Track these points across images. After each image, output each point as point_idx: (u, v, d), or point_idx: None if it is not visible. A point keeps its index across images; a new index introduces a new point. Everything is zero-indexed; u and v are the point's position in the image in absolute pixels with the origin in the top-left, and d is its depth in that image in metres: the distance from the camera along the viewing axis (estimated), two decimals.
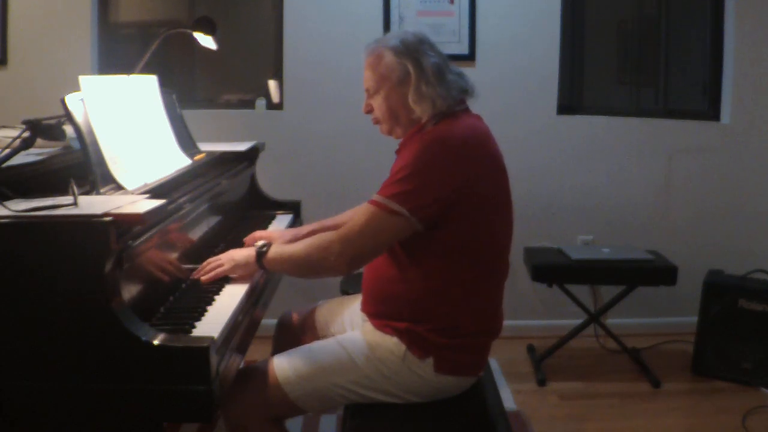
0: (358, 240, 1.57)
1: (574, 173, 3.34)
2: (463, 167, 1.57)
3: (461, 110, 1.69)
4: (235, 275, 1.73)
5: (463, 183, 1.56)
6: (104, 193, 1.53)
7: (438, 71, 1.65)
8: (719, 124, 3.39)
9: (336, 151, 3.25)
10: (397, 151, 1.74)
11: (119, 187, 1.60)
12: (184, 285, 1.69)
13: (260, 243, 1.74)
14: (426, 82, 1.64)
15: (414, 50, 1.67)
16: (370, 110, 1.76)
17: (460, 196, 1.56)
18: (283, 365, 1.63)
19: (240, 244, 1.94)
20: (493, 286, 1.70)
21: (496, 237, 1.67)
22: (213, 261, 1.74)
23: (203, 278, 1.70)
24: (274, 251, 1.70)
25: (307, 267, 1.66)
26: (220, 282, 1.70)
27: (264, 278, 1.85)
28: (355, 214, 2.01)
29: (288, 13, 3.18)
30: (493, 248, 1.67)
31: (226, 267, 1.72)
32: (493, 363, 2.98)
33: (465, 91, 1.70)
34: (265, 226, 2.33)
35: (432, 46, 1.71)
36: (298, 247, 1.67)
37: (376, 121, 1.76)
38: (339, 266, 1.59)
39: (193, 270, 1.74)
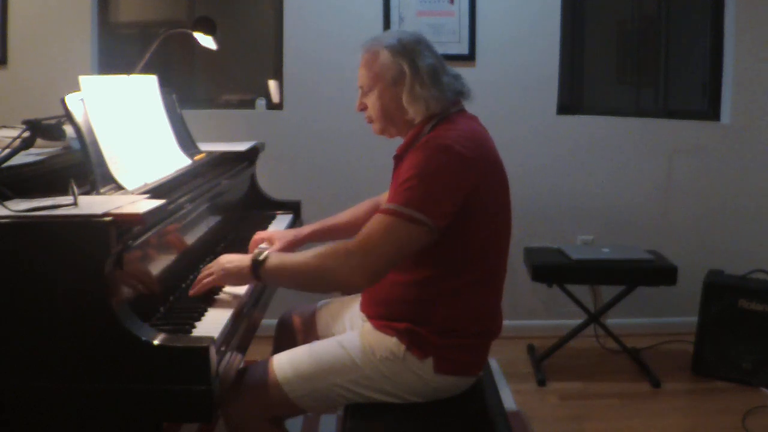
0: (378, 251, 1.49)
1: (574, 173, 3.34)
2: (470, 173, 1.55)
3: (456, 112, 1.68)
4: (226, 285, 1.65)
5: (472, 189, 1.55)
6: (104, 193, 1.53)
7: (433, 72, 1.64)
8: (719, 124, 3.39)
9: (336, 151, 3.25)
10: (395, 158, 1.71)
11: (119, 187, 1.59)
12: (184, 285, 1.69)
13: (257, 251, 1.64)
14: (420, 84, 1.63)
15: (410, 50, 1.66)
16: (363, 108, 1.75)
17: (468, 202, 1.55)
18: (283, 365, 1.63)
19: (240, 244, 1.94)
20: (493, 287, 1.70)
21: (497, 239, 1.67)
22: (205, 272, 1.63)
23: (191, 293, 1.60)
24: (274, 262, 1.58)
25: (318, 279, 1.55)
26: None
27: None
28: (361, 217, 1.97)
29: (288, 13, 3.18)
30: (493, 250, 1.67)
31: (215, 277, 1.60)
32: (493, 363, 2.98)
33: (460, 93, 1.70)
34: (265, 227, 2.33)
35: (429, 46, 1.70)
36: (306, 256, 1.55)
37: (370, 120, 1.75)
38: (357, 280, 1.51)
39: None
